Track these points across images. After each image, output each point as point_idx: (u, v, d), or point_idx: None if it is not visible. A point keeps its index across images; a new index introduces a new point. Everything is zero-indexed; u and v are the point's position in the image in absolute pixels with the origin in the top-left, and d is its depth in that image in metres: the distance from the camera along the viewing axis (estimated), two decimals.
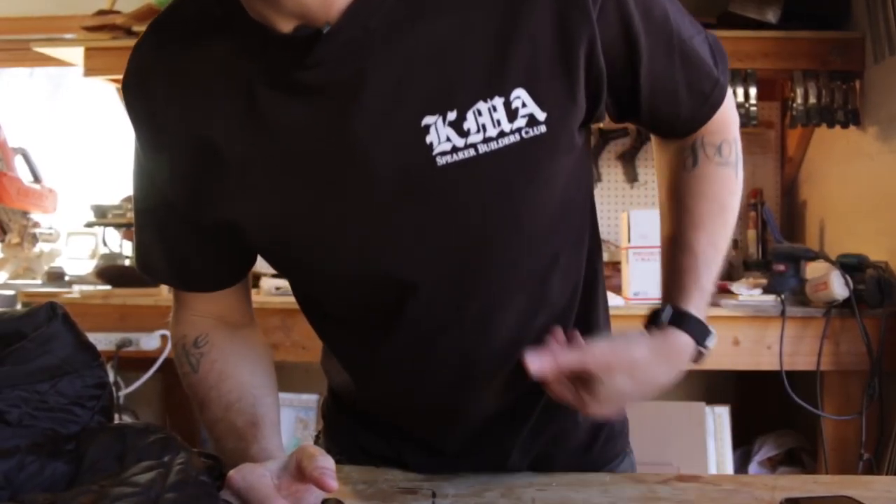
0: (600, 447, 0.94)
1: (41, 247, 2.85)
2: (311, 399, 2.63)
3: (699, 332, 0.77)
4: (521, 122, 0.67)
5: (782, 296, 2.09)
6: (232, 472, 0.66)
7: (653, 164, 2.94)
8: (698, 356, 0.79)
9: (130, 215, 2.65)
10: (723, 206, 0.82)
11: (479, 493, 0.83)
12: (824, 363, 2.06)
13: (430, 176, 0.68)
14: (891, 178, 2.22)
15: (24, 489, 0.68)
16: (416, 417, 0.88)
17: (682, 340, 0.77)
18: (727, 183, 0.83)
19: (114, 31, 2.69)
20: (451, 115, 0.66)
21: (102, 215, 2.69)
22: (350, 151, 0.68)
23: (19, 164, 2.75)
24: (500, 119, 0.67)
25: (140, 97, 0.75)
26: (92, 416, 0.79)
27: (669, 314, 0.78)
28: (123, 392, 2.29)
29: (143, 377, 2.28)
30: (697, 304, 0.78)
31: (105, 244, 2.84)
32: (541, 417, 0.87)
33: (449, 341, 0.78)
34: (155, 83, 0.74)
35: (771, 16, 2.43)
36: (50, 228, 2.88)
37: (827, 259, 2.16)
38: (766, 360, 2.09)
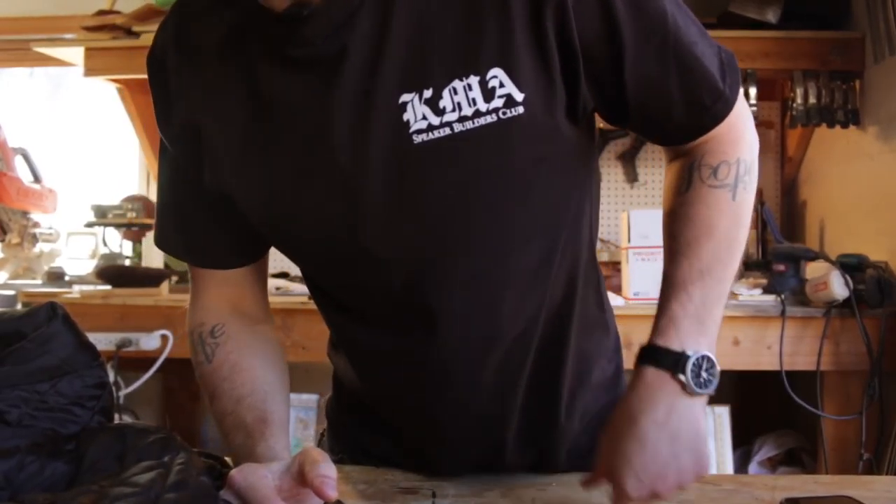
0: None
1: (41, 247, 2.85)
2: (311, 399, 2.63)
3: (670, 361, 0.71)
4: (497, 102, 0.67)
5: (782, 296, 2.09)
6: (234, 472, 0.66)
7: (654, 165, 2.95)
8: (686, 387, 0.71)
9: (130, 215, 2.65)
10: (711, 230, 0.76)
11: (479, 493, 0.83)
12: (824, 363, 2.06)
13: (407, 153, 0.68)
14: (891, 178, 2.22)
15: (24, 489, 0.68)
16: (408, 409, 0.87)
17: (655, 377, 0.72)
18: (719, 206, 0.77)
19: (114, 31, 2.69)
20: (427, 93, 0.67)
21: (102, 215, 2.69)
22: (331, 127, 0.69)
23: (19, 164, 2.75)
24: (476, 98, 0.66)
25: (157, 70, 0.80)
26: (92, 416, 0.79)
27: (637, 355, 0.75)
28: (123, 392, 2.29)
29: (143, 377, 2.28)
30: (667, 335, 0.73)
31: (105, 244, 2.84)
32: (537, 408, 0.86)
33: (437, 325, 0.77)
34: (170, 57, 0.78)
35: (771, 16, 2.43)
36: (50, 228, 2.88)
37: (827, 259, 2.16)
38: (766, 360, 2.09)
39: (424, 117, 0.67)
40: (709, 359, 0.72)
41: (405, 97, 0.67)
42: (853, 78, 2.44)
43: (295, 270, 3.03)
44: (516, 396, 0.83)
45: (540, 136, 0.70)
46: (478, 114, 0.67)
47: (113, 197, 2.88)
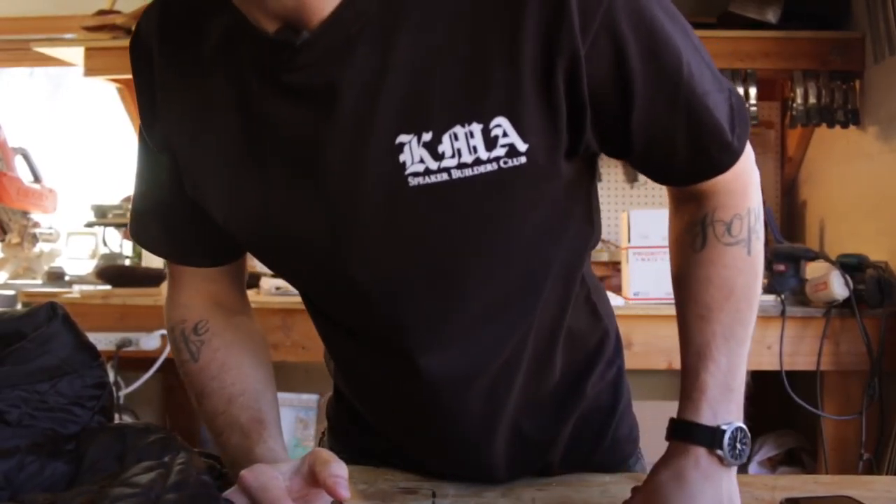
0: (605, 451, 0.91)
1: (41, 247, 2.85)
2: (311, 399, 2.63)
3: (706, 438, 0.71)
4: (500, 151, 0.65)
5: (782, 296, 2.09)
6: (245, 473, 0.65)
7: None
8: (723, 460, 0.71)
9: None
10: (731, 291, 0.74)
11: (479, 493, 0.83)
12: (824, 363, 2.06)
13: (401, 195, 0.66)
14: (891, 178, 2.22)
15: (24, 489, 0.68)
16: (399, 425, 0.87)
17: (691, 453, 0.71)
18: (736, 263, 0.75)
19: (114, 31, 2.69)
20: (427, 136, 0.64)
21: (102, 215, 2.69)
22: (322, 160, 0.67)
23: (19, 164, 2.75)
24: (478, 146, 0.64)
25: (141, 62, 0.76)
26: (92, 416, 0.79)
27: (669, 428, 0.74)
28: (123, 392, 2.29)
29: (143, 377, 2.28)
30: (700, 411, 0.72)
31: (105, 244, 2.84)
32: (528, 425, 0.85)
33: (418, 357, 0.76)
34: (154, 49, 0.74)
35: (771, 16, 2.43)
36: (50, 228, 2.88)
37: (827, 259, 2.16)
38: (766, 360, 2.09)
39: (422, 160, 0.65)
40: (742, 429, 0.72)
41: (403, 138, 0.64)
42: (853, 78, 2.44)
43: None
44: (502, 419, 0.82)
45: (539, 180, 0.69)
46: (478, 162, 0.65)
47: (113, 197, 2.88)
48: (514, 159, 0.65)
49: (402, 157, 0.65)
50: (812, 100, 2.45)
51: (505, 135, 0.64)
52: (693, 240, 0.77)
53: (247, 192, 0.72)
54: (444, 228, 0.68)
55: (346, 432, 0.98)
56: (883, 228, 2.23)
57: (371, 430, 0.92)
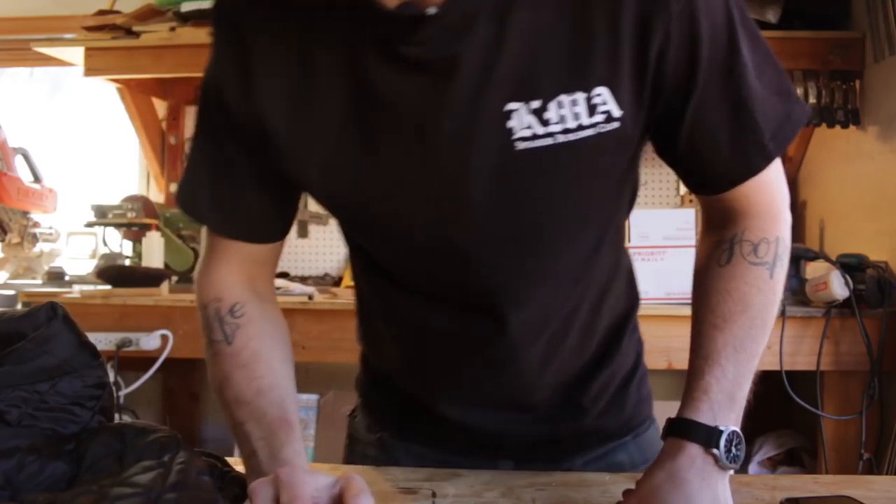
0: (632, 407, 0.97)
1: (41, 247, 2.85)
2: (312, 399, 2.63)
3: (702, 436, 0.72)
4: (599, 117, 0.70)
5: (782, 296, 2.09)
6: (285, 470, 0.65)
7: (654, 165, 2.94)
8: (718, 460, 0.72)
9: (130, 215, 2.65)
10: (747, 306, 0.78)
11: (479, 494, 0.83)
12: (824, 363, 2.06)
13: (507, 158, 0.71)
14: (891, 178, 2.22)
15: (24, 489, 0.68)
16: (458, 382, 0.91)
17: (686, 450, 0.72)
18: (758, 283, 0.79)
19: (114, 31, 2.69)
20: (535, 104, 0.70)
21: (102, 215, 2.69)
22: (439, 127, 0.71)
23: (19, 164, 2.75)
24: (580, 112, 0.70)
25: (232, 33, 0.75)
26: (92, 416, 0.79)
27: (667, 426, 0.76)
28: (123, 392, 2.29)
29: (143, 377, 2.28)
30: (701, 410, 0.74)
31: (105, 244, 2.84)
32: (572, 369, 0.91)
33: (515, 312, 0.82)
34: (246, 25, 0.75)
35: (771, 16, 2.43)
36: (50, 228, 2.88)
37: (827, 259, 2.16)
38: (766, 360, 2.06)
39: (529, 126, 0.70)
40: (738, 434, 0.74)
41: (512, 105, 0.70)
42: (853, 78, 2.44)
43: (295, 270, 3.04)
44: (554, 363, 0.88)
45: (623, 147, 0.75)
46: (580, 127, 0.70)
47: (113, 197, 2.87)
48: (610, 124, 0.71)
49: (509, 124, 0.70)
50: (812, 100, 2.45)
51: (604, 103, 0.70)
52: (720, 255, 0.81)
53: (351, 156, 0.75)
54: (544, 188, 0.74)
55: (380, 406, 1.01)
56: (883, 228, 2.23)
57: (409, 405, 0.95)
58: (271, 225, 0.86)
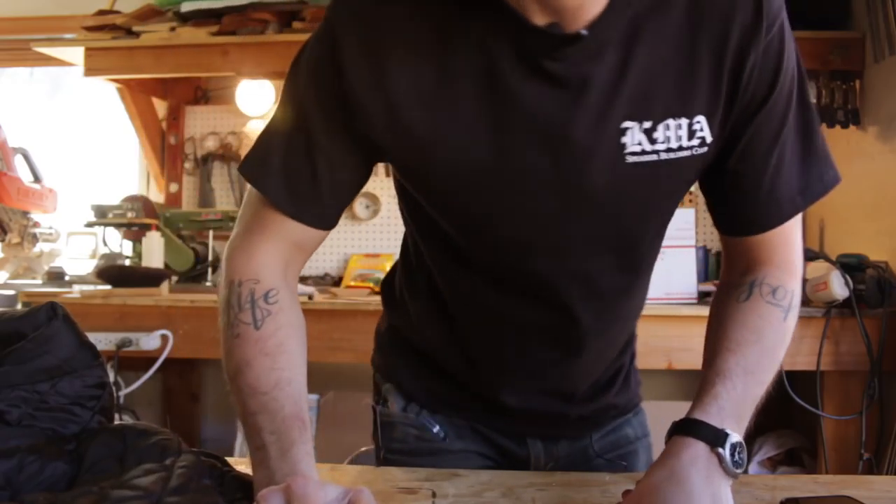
0: (616, 392, 1.04)
1: (41, 247, 2.85)
2: (311, 399, 2.63)
3: (709, 435, 0.74)
4: (695, 141, 0.80)
5: None
6: (297, 480, 0.65)
7: None
8: (722, 461, 0.74)
9: (130, 215, 2.65)
10: (761, 336, 0.83)
11: (479, 494, 0.83)
12: (824, 363, 2.06)
13: (619, 169, 0.80)
14: (891, 178, 2.22)
15: (24, 489, 0.68)
16: (515, 371, 0.97)
17: (691, 447, 0.74)
18: (772, 320, 0.85)
19: (114, 31, 2.70)
20: (647, 125, 0.79)
21: (102, 215, 2.69)
22: (567, 136, 0.78)
23: (19, 163, 2.74)
24: (682, 136, 0.79)
25: (361, 22, 0.78)
26: (92, 416, 0.79)
27: (672, 427, 0.77)
28: (123, 392, 2.29)
29: (143, 377, 2.28)
30: (709, 413, 0.76)
31: (105, 244, 2.84)
32: (607, 368, 1.02)
33: (573, 305, 0.89)
34: (381, 18, 0.78)
35: None
36: (50, 228, 2.88)
37: (827, 259, 2.16)
38: None
39: (640, 143, 0.79)
40: (743, 445, 0.76)
41: (627, 124, 0.78)
42: (853, 78, 2.44)
43: None
44: (602, 362, 1.00)
45: (703, 167, 0.84)
46: (680, 148, 0.80)
47: (113, 197, 2.88)
48: (701, 149, 0.81)
49: (623, 139, 0.79)
50: (812, 100, 2.44)
51: (701, 130, 0.80)
52: (739, 294, 0.88)
53: (479, 153, 0.79)
54: (644, 198, 0.84)
55: (418, 386, 1.04)
56: (883, 228, 2.23)
57: (454, 383, 1.01)
58: (333, 211, 0.86)
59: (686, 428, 0.75)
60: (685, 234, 2.19)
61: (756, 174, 0.84)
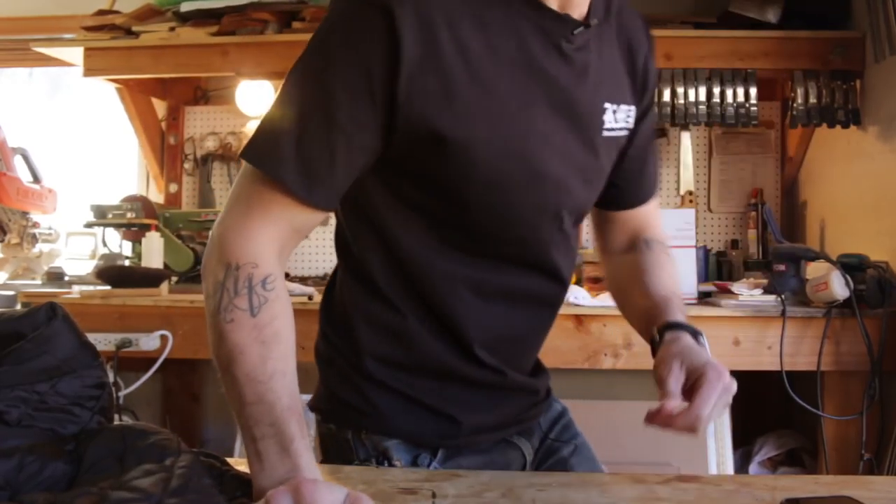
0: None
1: (41, 247, 2.85)
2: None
3: (691, 330, 0.95)
4: (629, 125, 1.02)
5: (783, 296, 2.09)
6: (307, 483, 0.66)
7: None
8: (701, 345, 0.93)
9: (130, 215, 2.65)
10: (671, 271, 1.10)
11: (479, 494, 0.83)
12: (825, 363, 2.06)
13: (599, 141, 0.97)
14: (891, 178, 2.22)
15: (23, 489, 0.68)
16: (509, 341, 1.02)
17: (686, 336, 0.94)
18: (668, 259, 1.12)
19: (113, 31, 2.69)
20: (614, 107, 0.98)
21: (102, 215, 2.69)
22: (580, 108, 0.94)
23: (19, 164, 2.75)
24: (629, 117, 1.01)
25: (415, 13, 0.81)
26: (91, 417, 0.79)
27: (662, 327, 0.96)
28: (123, 392, 2.29)
29: (142, 377, 2.28)
30: (681, 319, 0.97)
31: (105, 244, 2.83)
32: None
33: (558, 271, 1.01)
34: (435, 7, 0.82)
35: (771, 16, 2.43)
36: (49, 228, 2.88)
37: (827, 259, 2.16)
38: (766, 360, 2.09)
39: (611, 121, 0.98)
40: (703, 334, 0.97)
41: (607, 104, 0.97)
42: (853, 78, 2.44)
43: (295, 271, 3.04)
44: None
45: (622, 148, 1.05)
46: (623, 129, 1.01)
47: (112, 197, 2.88)
48: (627, 132, 1.02)
49: (604, 117, 0.97)
50: (812, 100, 2.45)
51: (630, 117, 1.01)
52: (641, 247, 1.12)
53: (514, 123, 0.88)
54: (605, 168, 1.02)
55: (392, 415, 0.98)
56: (883, 228, 2.23)
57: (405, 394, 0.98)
58: (341, 193, 0.86)
59: (676, 327, 0.95)
60: (685, 234, 2.19)
61: (641, 159, 1.09)
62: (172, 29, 2.66)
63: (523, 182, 0.90)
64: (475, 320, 0.96)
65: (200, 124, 3.17)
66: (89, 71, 2.68)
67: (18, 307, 2.22)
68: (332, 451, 1.02)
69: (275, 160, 0.81)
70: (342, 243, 1.01)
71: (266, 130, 0.84)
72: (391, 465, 0.97)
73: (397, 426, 0.98)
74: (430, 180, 0.89)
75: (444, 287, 0.94)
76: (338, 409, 1.00)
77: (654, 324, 0.97)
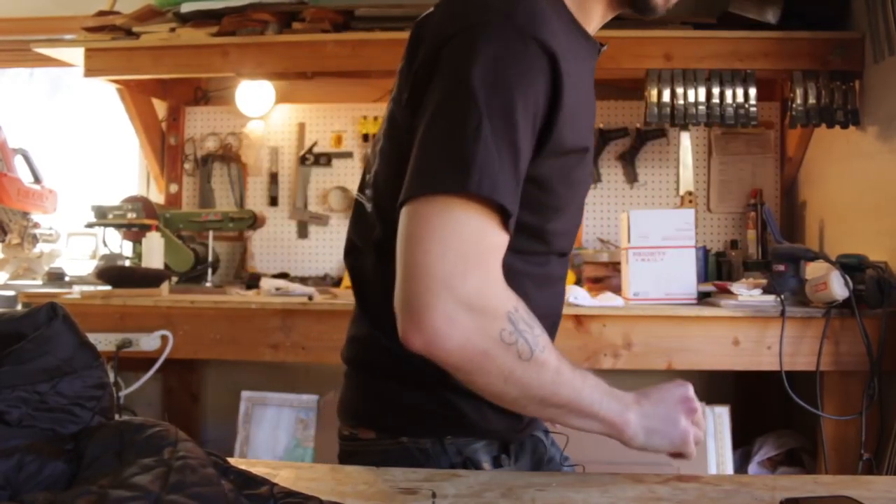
0: None
1: (41, 247, 2.85)
2: (311, 399, 2.63)
3: None
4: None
5: (782, 296, 2.09)
6: (659, 388, 0.96)
7: (654, 166, 2.95)
8: None
9: (130, 216, 2.65)
10: None
11: (479, 494, 0.83)
12: (824, 363, 2.06)
13: None
14: (890, 178, 2.22)
15: (23, 489, 0.68)
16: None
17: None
18: None
19: (114, 32, 2.70)
20: None
21: (102, 216, 2.69)
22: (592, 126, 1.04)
23: (19, 164, 2.75)
24: None
25: (551, 37, 0.87)
26: (92, 417, 0.79)
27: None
28: (123, 392, 2.29)
29: (143, 378, 2.28)
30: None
31: (105, 245, 2.84)
32: None
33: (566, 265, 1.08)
34: (555, 30, 0.90)
35: (771, 16, 2.43)
36: (50, 229, 2.88)
37: (827, 259, 2.16)
38: (766, 361, 2.09)
39: None
40: None
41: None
42: (853, 78, 2.44)
43: (295, 271, 3.04)
44: None
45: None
46: None
47: (113, 197, 2.88)
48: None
49: None
50: (812, 100, 2.45)
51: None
52: None
53: (588, 136, 0.99)
54: None
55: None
56: (883, 228, 2.23)
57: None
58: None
59: None
60: (685, 234, 2.19)
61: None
62: (173, 30, 2.67)
63: (588, 181, 1.04)
64: (533, 311, 0.97)
65: (201, 125, 3.18)
66: (90, 71, 2.69)
67: (19, 307, 2.22)
68: (402, 466, 0.96)
69: (497, 190, 0.80)
70: None
71: (480, 156, 0.80)
72: (478, 468, 0.98)
73: (479, 426, 0.98)
74: (538, 191, 0.91)
75: (514, 284, 0.91)
76: (415, 420, 0.99)
77: None
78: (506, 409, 0.93)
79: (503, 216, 0.82)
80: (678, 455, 0.96)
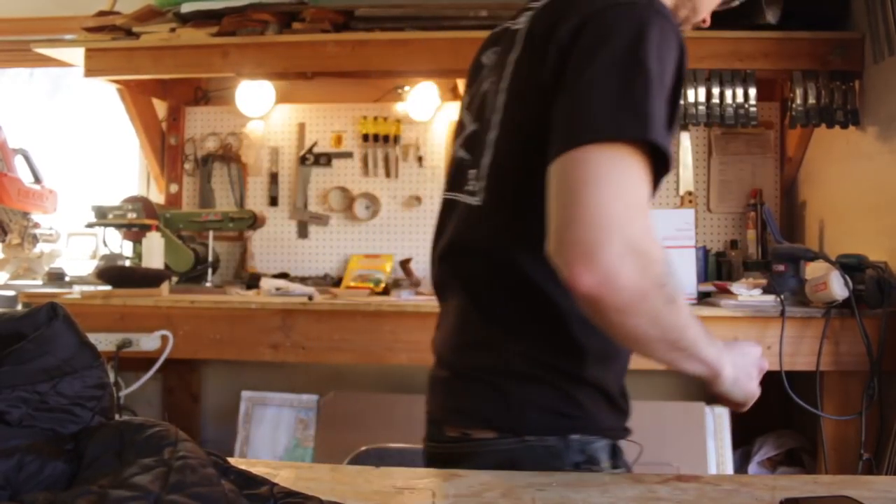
0: None
1: (41, 247, 2.85)
2: (311, 399, 2.63)
3: None
4: None
5: (782, 296, 2.09)
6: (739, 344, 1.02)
7: None
8: None
9: (131, 216, 2.65)
10: None
11: (479, 494, 0.83)
12: (824, 363, 2.06)
13: None
14: (890, 178, 2.22)
15: (23, 489, 0.68)
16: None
17: None
18: None
19: (114, 32, 2.70)
20: None
21: (103, 216, 2.69)
22: None
23: (20, 164, 2.75)
24: None
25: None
26: (92, 417, 0.79)
27: None
28: (124, 392, 2.29)
29: (143, 378, 2.28)
30: None
31: (105, 245, 2.84)
32: None
33: None
34: None
35: (771, 16, 2.43)
36: (50, 229, 2.88)
37: (827, 259, 2.16)
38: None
39: None
40: None
41: None
42: (853, 78, 2.44)
43: (295, 271, 3.04)
44: None
45: None
46: None
47: (113, 197, 2.88)
48: None
49: None
50: (811, 100, 2.45)
51: None
52: None
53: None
54: None
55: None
56: (883, 228, 2.23)
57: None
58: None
59: None
60: (684, 234, 2.19)
61: None
62: (173, 30, 2.67)
63: None
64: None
65: (201, 125, 3.18)
66: (90, 71, 2.69)
67: (19, 307, 2.23)
68: (527, 464, 0.96)
69: (665, 141, 0.87)
70: (526, 250, 0.96)
71: (647, 105, 0.86)
72: (597, 466, 0.99)
73: (600, 424, 1.01)
74: None
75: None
76: (543, 419, 0.99)
77: None
78: (616, 408, 1.02)
79: (656, 173, 0.89)
80: (739, 406, 1.01)
